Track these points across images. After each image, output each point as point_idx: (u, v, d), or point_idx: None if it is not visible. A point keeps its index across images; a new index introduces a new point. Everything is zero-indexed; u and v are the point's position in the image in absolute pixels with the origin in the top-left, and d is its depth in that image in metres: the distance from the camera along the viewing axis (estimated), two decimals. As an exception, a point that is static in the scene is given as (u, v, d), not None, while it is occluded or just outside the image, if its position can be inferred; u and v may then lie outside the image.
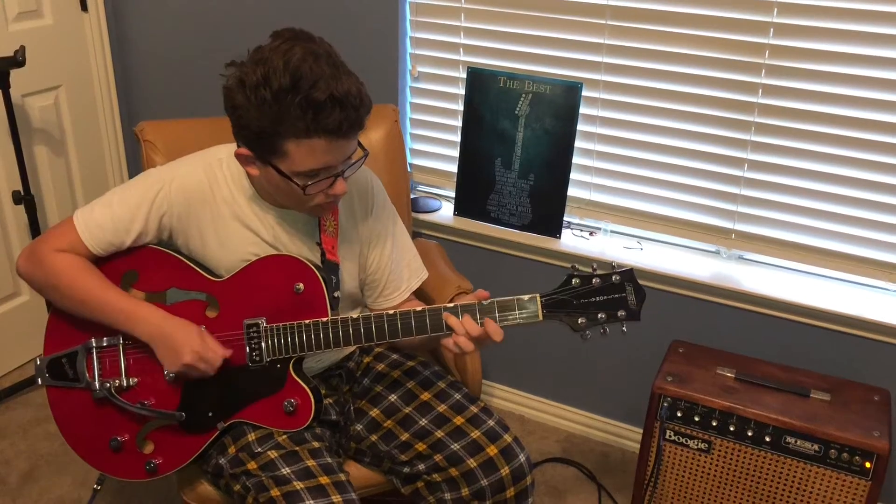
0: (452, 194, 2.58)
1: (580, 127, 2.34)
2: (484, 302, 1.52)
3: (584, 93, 2.31)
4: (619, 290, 1.51)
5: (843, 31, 1.98)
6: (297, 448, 1.58)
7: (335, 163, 1.46)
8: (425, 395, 1.73)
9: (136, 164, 3.07)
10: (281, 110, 1.36)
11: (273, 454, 1.56)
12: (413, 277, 1.81)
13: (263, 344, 1.58)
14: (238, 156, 1.51)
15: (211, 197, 1.60)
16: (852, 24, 1.97)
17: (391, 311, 1.55)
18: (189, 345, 1.53)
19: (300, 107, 1.36)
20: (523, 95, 2.36)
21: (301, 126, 1.37)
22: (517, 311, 1.51)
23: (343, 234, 1.68)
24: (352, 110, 1.39)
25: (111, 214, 1.57)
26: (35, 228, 2.55)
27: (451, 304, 1.53)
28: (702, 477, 2.04)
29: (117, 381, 1.62)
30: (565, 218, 2.43)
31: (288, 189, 1.49)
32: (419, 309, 1.54)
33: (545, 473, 2.46)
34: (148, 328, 1.55)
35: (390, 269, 1.76)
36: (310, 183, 1.46)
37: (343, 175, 1.49)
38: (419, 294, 1.99)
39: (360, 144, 1.50)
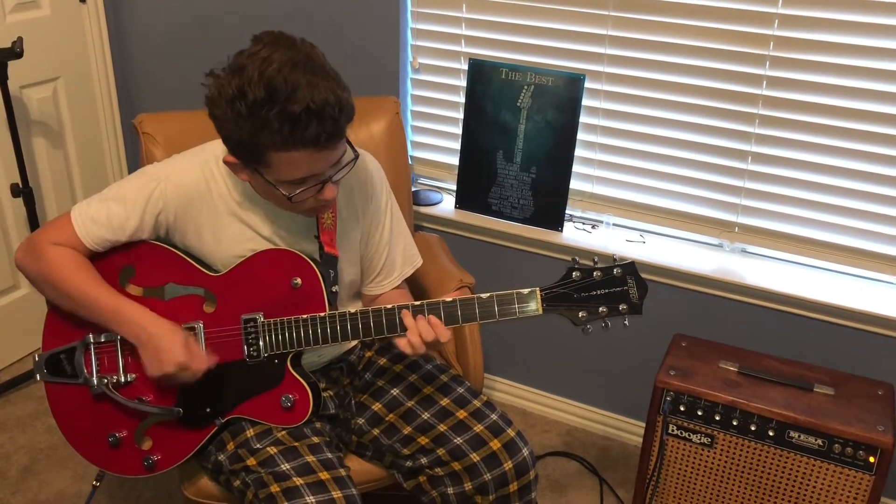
0: (454, 187, 2.56)
1: (582, 119, 2.33)
2: (483, 296, 1.51)
3: (587, 84, 2.29)
4: (620, 284, 1.50)
5: (847, 23, 1.96)
6: (296, 444, 1.57)
7: (319, 171, 1.43)
8: (427, 389, 1.72)
9: (135, 157, 3.06)
10: (257, 123, 1.34)
11: (272, 450, 1.55)
12: (406, 265, 1.81)
13: (261, 339, 1.57)
14: (227, 162, 1.49)
15: (207, 193, 1.58)
16: (857, 15, 1.95)
17: (390, 306, 1.54)
18: (173, 355, 1.51)
19: (276, 120, 1.33)
20: (525, 87, 2.34)
21: (279, 139, 1.35)
22: (517, 305, 1.50)
23: (343, 224, 1.67)
24: (329, 121, 1.35)
25: (107, 211, 1.56)
26: (34, 221, 2.54)
27: (450, 299, 1.52)
28: (705, 472, 2.03)
29: (115, 376, 1.61)
30: (567, 211, 2.42)
31: (277, 195, 1.47)
32: (417, 304, 1.53)
33: (547, 467, 2.45)
34: (133, 329, 1.54)
35: (386, 255, 1.76)
36: (297, 191, 1.44)
37: (332, 180, 1.47)
38: (419, 286, 1.99)
39: (350, 145, 1.48)
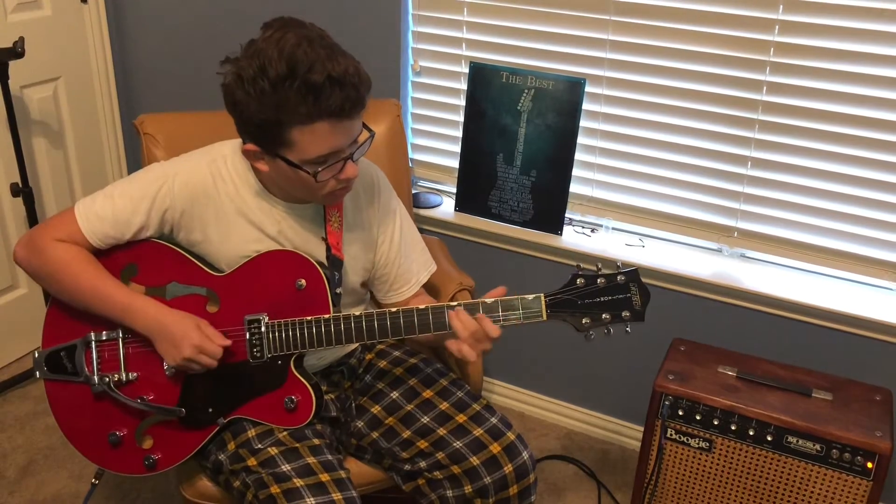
0: (454, 190, 2.57)
1: (583, 123, 2.33)
2: (488, 300, 1.51)
3: (587, 89, 2.30)
4: (623, 291, 1.51)
5: (848, 29, 1.97)
6: (297, 445, 1.57)
7: (342, 145, 1.45)
8: (427, 393, 1.72)
9: (135, 157, 3.06)
10: (281, 99, 1.36)
11: (273, 451, 1.55)
12: (422, 271, 1.80)
13: (264, 340, 1.57)
14: (246, 152, 1.50)
15: (214, 192, 1.59)
16: (858, 21, 1.96)
17: (394, 309, 1.54)
18: (188, 338, 1.52)
19: (299, 92, 1.35)
20: (526, 91, 2.35)
21: (303, 111, 1.37)
22: (521, 311, 1.51)
23: (348, 229, 1.67)
24: (351, 89, 1.38)
25: (112, 207, 1.56)
26: (33, 221, 2.54)
27: (455, 304, 1.52)
28: (703, 476, 2.03)
29: (116, 375, 1.61)
30: (567, 214, 2.42)
31: (299, 179, 1.48)
32: (422, 307, 1.53)
33: (545, 471, 2.45)
34: (146, 321, 1.54)
35: (399, 263, 1.75)
36: (320, 169, 1.45)
37: (352, 158, 1.49)
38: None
39: (365, 126, 1.49)
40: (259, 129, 1.42)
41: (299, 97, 1.35)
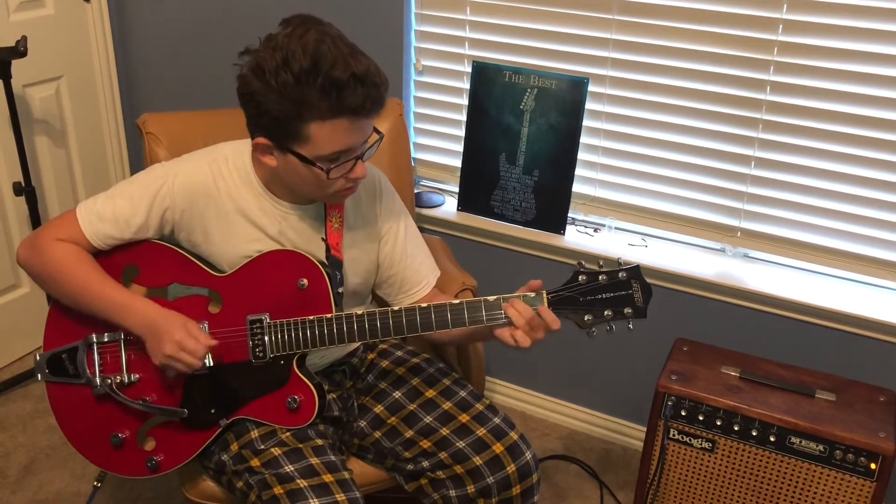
0: (456, 189, 2.56)
1: (585, 122, 2.33)
2: (490, 298, 1.51)
3: (590, 88, 2.29)
4: (625, 287, 1.50)
5: (852, 29, 1.97)
6: (300, 445, 1.57)
7: (356, 144, 1.46)
8: (430, 393, 1.71)
9: (137, 156, 3.05)
10: (303, 93, 1.36)
11: (276, 451, 1.54)
12: (430, 273, 1.78)
13: (267, 340, 1.57)
14: (256, 146, 1.49)
15: (215, 192, 1.58)
16: (862, 21, 1.95)
17: (396, 308, 1.54)
18: (169, 335, 1.50)
19: (322, 88, 1.36)
20: (528, 90, 2.35)
21: (325, 107, 1.37)
22: None
23: (349, 230, 1.67)
24: (373, 88, 1.39)
25: (113, 207, 1.56)
26: (35, 220, 2.54)
27: (457, 301, 1.52)
28: (705, 476, 2.03)
29: (118, 376, 1.60)
30: (570, 214, 2.42)
31: (309, 176, 1.47)
32: (424, 305, 1.52)
33: (547, 471, 2.45)
34: (139, 319, 1.53)
35: (406, 265, 1.74)
36: (332, 167, 1.45)
37: (363, 158, 1.49)
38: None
39: (374, 128, 1.50)
40: (275, 122, 1.42)
41: (322, 93, 1.36)
